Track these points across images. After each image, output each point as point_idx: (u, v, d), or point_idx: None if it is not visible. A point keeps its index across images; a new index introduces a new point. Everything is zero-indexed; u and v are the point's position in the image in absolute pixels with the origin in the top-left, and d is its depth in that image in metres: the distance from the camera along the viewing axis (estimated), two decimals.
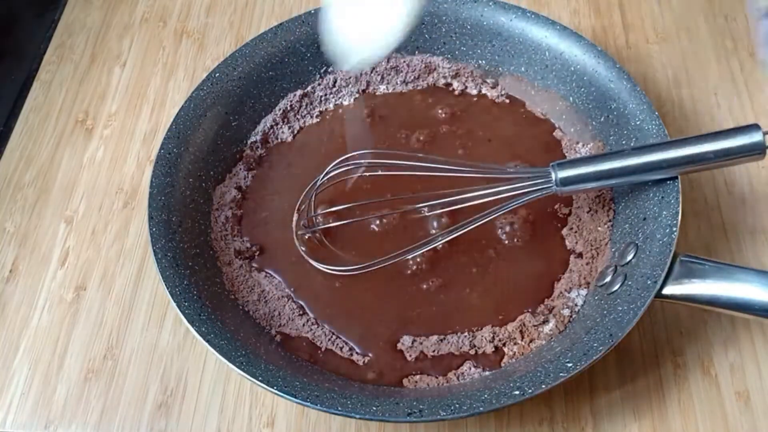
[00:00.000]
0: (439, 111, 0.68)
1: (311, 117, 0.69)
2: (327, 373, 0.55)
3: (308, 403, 0.49)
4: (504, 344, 0.56)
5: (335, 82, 0.70)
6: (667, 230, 0.54)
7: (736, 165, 0.58)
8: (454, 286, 0.59)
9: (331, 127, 0.68)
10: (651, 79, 0.72)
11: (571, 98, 0.66)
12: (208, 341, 0.52)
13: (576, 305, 0.57)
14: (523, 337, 0.56)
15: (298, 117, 0.69)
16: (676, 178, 0.56)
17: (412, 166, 0.60)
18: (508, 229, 0.61)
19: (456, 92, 0.70)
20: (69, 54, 0.77)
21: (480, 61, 0.70)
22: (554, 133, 0.67)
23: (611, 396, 0.56)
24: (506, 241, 0.61)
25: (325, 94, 0.70)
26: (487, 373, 0.55)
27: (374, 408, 0.49)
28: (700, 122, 0.69)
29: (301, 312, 0.58)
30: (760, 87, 0.70)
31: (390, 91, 0.70)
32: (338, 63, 0.59)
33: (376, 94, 0.70)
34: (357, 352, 0.56)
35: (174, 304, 0.53)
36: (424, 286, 0.59)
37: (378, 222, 0.62)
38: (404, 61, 0.70)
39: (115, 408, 0.57)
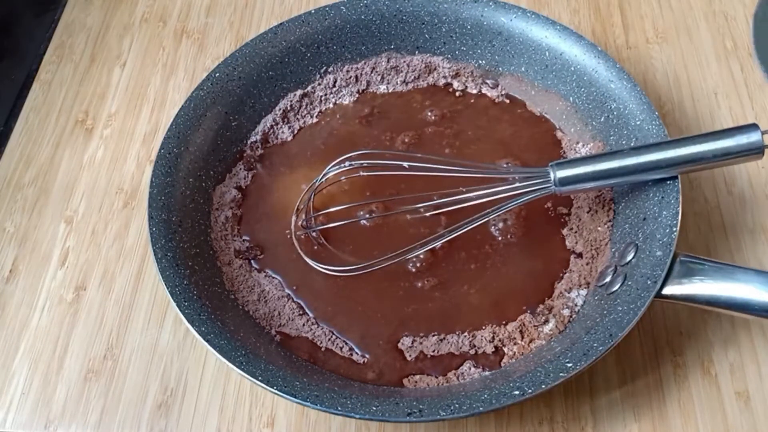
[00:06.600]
0: (429, 113, 0.68)
1: (311, 117, 0.69)
2: (327, 373, 0.55)
3: (308, 403, 0.49)
4: (504, 344, 0.56)
5: (335, 82, 0.70)
6: (667, 230, 0.54)
7: (735, 164, 0.58)
8: (453, 284, 0.59)
9: (331, 127, 0.68)
10: (651, 79, 0.72)
11: (571, 98, 0.66)
12: (208, 341, 0.52)
13: (576, 305, 0.57)
14: (523, 337, 0.56)
15: (298, 117, 0.69)
16: (676, 178, 0.56)
17: (411, 166, 0.60)
18: (501, 225, 0.61)
19: (456, 92, 0.70)
20: (69, 54, 0.77)
21: (480, 61, 0.70)
22: (554, 133, 0.67)
23: (611, 396, 0.56)
24: (499, 238, 0.61)
25: (325, 94, 0.70)
26: (487, 373, 0.55)
27: (374, 408, 0.49)
28: (700, 122, 0.69)
29: (301, 312, 0.58)
30: (760, 87, 0.70)
31: (390, 91, 0.70)
32: None
33: (377, 93, 0.70)
34: (357, 352, 0.56)
35: (174, 304, 0.53)
36: (423, 285, 0.59)
37: (376, 222, 0.62)
38: (404, 61, 0.70)
39: (115, 408, 0.57)
